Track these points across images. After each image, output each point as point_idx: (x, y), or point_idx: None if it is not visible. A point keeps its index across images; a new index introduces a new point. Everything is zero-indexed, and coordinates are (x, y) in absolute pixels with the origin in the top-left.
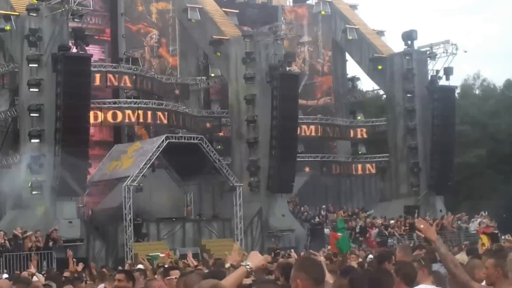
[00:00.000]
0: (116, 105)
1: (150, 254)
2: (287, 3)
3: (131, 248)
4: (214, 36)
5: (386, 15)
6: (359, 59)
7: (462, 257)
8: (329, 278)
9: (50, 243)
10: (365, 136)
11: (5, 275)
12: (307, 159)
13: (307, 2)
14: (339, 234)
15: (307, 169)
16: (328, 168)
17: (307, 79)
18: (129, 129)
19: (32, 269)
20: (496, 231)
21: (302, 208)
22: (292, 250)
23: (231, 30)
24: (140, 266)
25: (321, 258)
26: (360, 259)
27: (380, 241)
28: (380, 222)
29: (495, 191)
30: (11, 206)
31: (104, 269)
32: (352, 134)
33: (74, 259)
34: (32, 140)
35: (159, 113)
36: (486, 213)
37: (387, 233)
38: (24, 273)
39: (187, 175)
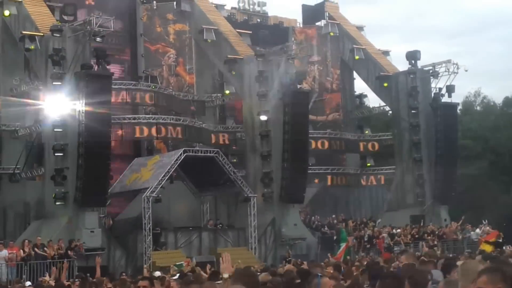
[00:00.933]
0: (136, 121)
1: (176, 264)
2: (297, 24)
3: (150, 257)
4: (229, 56)
5: (391, 36)
6: (366, 77)
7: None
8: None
9: (70, 252)
10: (376, 149)
11: (28, 283)
12: (317, 171)
13: (316, 24)
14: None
15: (317, 180)
16: (337, 179)
17: (317, 96)
18: (149, 143)
19: (47, 277)
20: (500, 240)
21: (313, 218)
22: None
23: (244, 50)
24: (157, 273)
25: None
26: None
27: (386, 247)
28: (388, 230)
29: (497, 201)
30: (35, 216)
31: (124, 276)
32: (361, 148)
33: None
34: (56, 154)
35: (177, 128)
36: (487, 221)
37: (391, 243)
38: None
39: (204, 186)
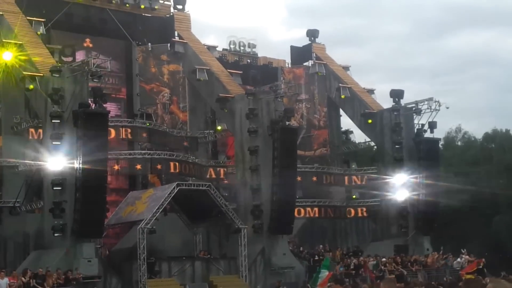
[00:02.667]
0: (131, 156)
1: None
2: (286, 65)
3: (145, 284)
4: (220, 94)
5: (376, 75)
6: (352, 114)
7: None
8: None
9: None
10: (362, 182)
11: None
12: (305, 204)
13: (304, 64)
14: (330, 272)
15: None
16: (324, 211)
17: (305, 132)
18: (143, 178)
19: None
20: (481, 266)
21: (302, 248)
22: None
23: (235, 89)
24: None
25: None
26: None
27: (378, 275)
28: (373, 259)
29: (478, 232)
30: (34, 247)
31: None
32: (347, 182)
33: None
34: (54, 188)
35: (171, 163)
36: (465, 251)
37: (380, 268)
38: None
39: (196, 218)
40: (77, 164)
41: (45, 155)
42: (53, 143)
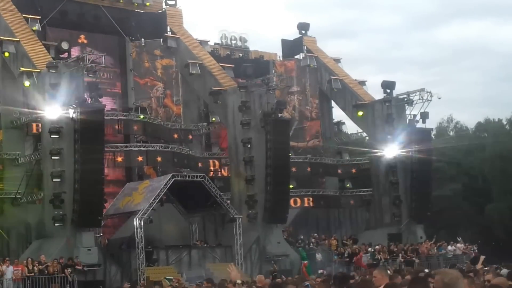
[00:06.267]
0: (127, 149)
1: (167, 277)
2: (277, 58)
3: (143, 272)
4: (213, 88)
5: (367, 67)
6: (344, 106)
7: None
8: None
9: (69, 269)
10: (354, 172)
11: None
12: (299, 194)
13: (295, 57)
14: (305, 262)
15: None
16: (318, 201)
17: (297, 124)
18: (139, 169)
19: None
20: (473, 254)
21: (297, 237)
22: None
23: (228, 82)
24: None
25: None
26: None
27: (372, 263)
28: (366, 248)
29: (470, 220)
30: (36, 236)
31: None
32: (340, 172)
33: None
34: (54, 180)
35: (166, 155)
36: (461, 239)
37: (373, 260)
38: None
39: (192, 208)
40: (75, 156)
41: (44, 148)
42: (52, 136)
